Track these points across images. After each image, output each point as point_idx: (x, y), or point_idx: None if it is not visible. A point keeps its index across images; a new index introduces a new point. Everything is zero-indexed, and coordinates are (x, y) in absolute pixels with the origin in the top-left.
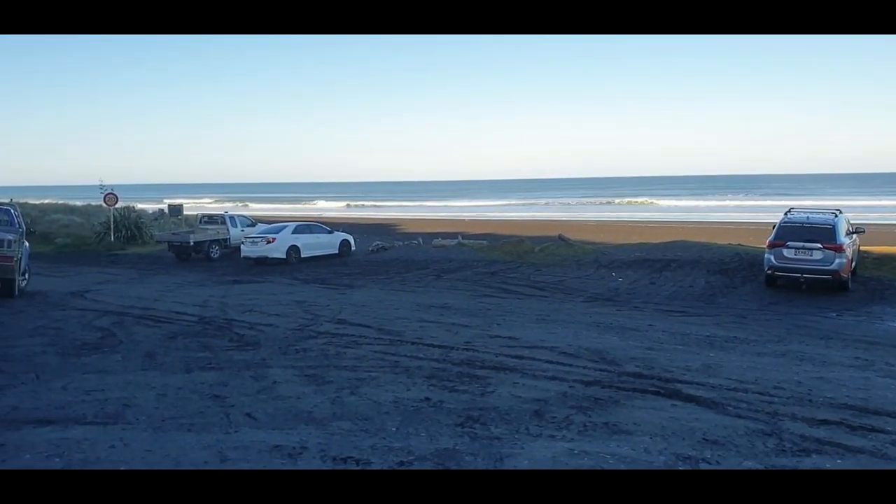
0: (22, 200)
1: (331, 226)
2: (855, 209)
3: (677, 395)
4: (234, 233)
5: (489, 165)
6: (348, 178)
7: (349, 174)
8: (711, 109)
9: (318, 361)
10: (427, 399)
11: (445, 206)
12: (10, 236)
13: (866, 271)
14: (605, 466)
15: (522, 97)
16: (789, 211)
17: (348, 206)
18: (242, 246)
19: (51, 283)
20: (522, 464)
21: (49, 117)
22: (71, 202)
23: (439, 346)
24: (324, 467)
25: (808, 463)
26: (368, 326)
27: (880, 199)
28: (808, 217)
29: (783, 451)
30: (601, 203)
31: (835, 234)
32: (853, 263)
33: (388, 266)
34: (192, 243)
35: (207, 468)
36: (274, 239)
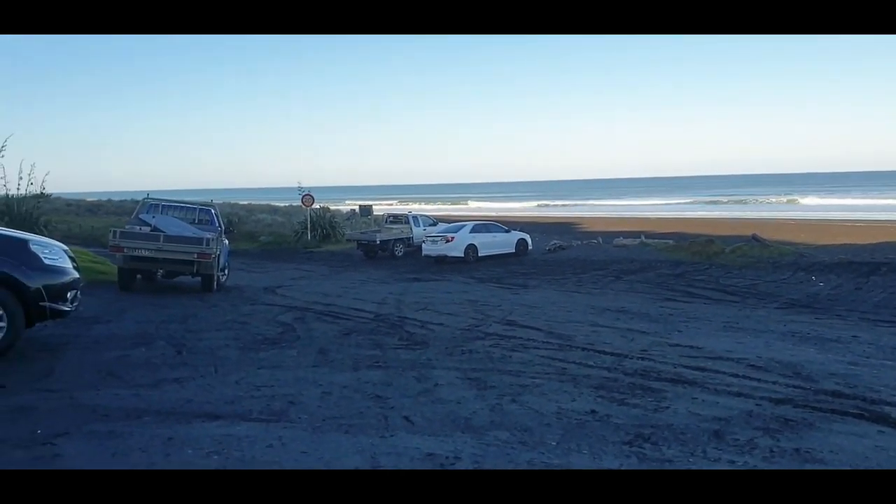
0: (232, 201)
1: (509, 225)
2: None
3: (885, 420)
4: (417, 232)
5: (665, 162)
6: (540, 178)
7: (539, 173)
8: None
9: (483, 364)
10: (593, 412)
11: (628, 206)
12: (209, 235)
13: None
14: None
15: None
16: None
17: (539, 205)
18: (424, 245)
19: (249, 279)
20: None
21: (270, 124)
22: (274, 203)
23: (611, 354)
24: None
25: None
26: (538, 329)
27: None
28: None
29: None
30: (737, 202)
31: None
32: None
33: (565, 266)
34: (378, 242)
35: (350, 468)
36: (453, 238)
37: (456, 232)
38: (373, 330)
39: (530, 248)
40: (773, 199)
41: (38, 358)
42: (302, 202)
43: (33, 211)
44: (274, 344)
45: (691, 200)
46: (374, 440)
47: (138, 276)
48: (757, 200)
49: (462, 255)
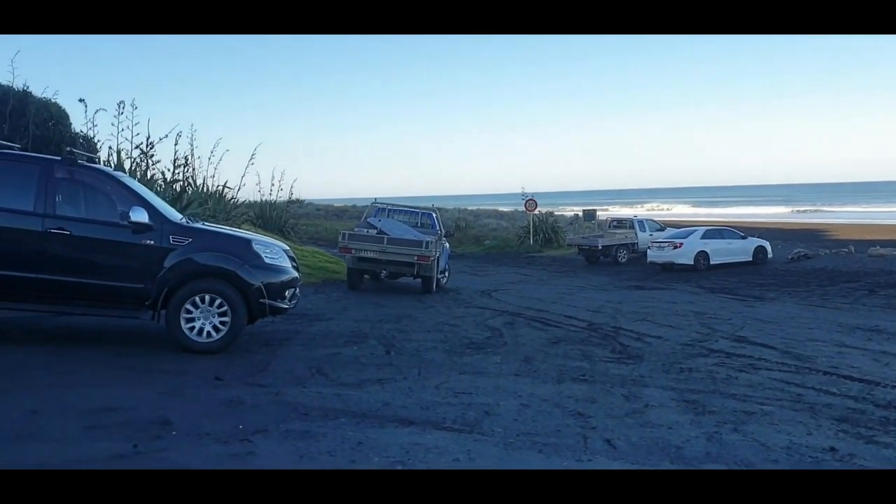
0: (461, 206)
1: (746, 231)
2: None
3: None
4: (643, 237)
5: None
6: (787, 180)
7: (787, 175)
8: None
9: (703, 385)
10: (833, 449)
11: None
12: (428, 238)
13: None
14: None
15: None
16: None
17: (793, 211)
18: (649, 251)
19: (469, 281)
20: None
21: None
22: (501, 208)
23: (860, 381)
24: None
25: None
26: (772, 347)
27: None
28: None
29: None
30: None
31: None
32: None
33: (809, 277)
34: (600, 247)
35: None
36: (681, 244)
37: (685, 237)
38: (583, 340)
39: (770, 256)
40: None
41: (257, 352)
42: (525, 207)
43: (283, 214)
44: (480, 349)
45: None
46: (570, 462)
47: (366, 276)
48: None
49: (691, 262)
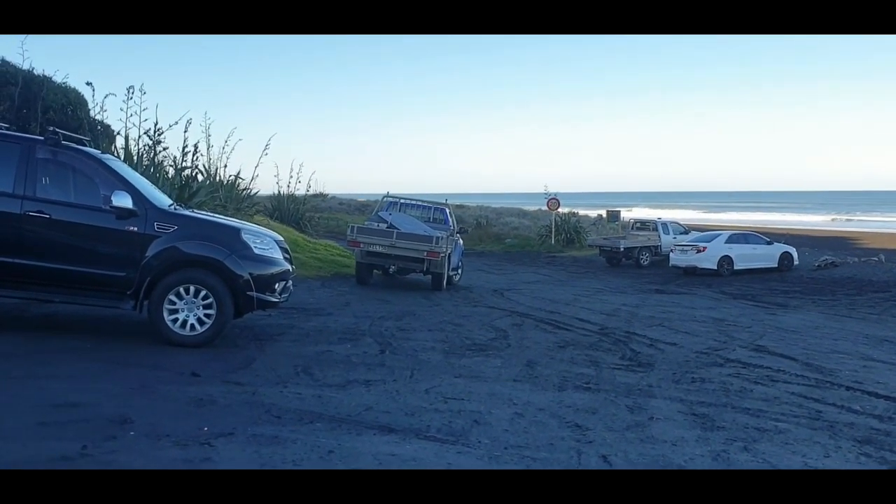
0: (485, 204)
1: (772, 236)
2: None
3: None
4: (666, 240)
5: None
6: (824, 187)
7: (826, 182)
8: None
9: (715, 398)
10: None
11: None
12: (439, 233)
13: None
14: None
15: None
16: None
17: (833, 220)
18: (671, 254)
19: (483, 279)
20: None
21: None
22: (525, 207)
23: (886, 398)
24: None
25: None
26: (792, 359)
27: None
28: None
29: None
30: None
31: None
32: None
33: (836, 285)
34: (621, 249)
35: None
36: (705, 248)
37: (709, 242)
38: (593, 344)
39: (796, 263)
40: None
41: (244, 348)
42: (547, 206)
43: (301, 207)
44: (481, 351)
45: None
46: None
47: (375, 271)
48: None
49: (714, 267)
